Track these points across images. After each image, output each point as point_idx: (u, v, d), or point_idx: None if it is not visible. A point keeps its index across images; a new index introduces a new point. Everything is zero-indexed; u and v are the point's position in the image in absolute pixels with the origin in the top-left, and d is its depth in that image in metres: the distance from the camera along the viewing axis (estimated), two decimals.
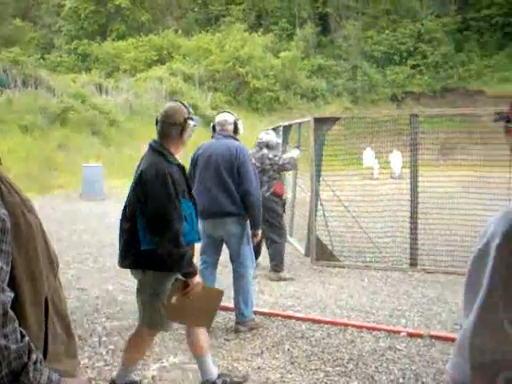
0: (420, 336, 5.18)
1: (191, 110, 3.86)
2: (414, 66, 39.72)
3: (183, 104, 3.85)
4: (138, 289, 3.80)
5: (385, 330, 5.36)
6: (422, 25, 41.30)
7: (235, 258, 5.35)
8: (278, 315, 5.78)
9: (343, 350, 4.87)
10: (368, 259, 8.38)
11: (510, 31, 40.57)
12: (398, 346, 4.96)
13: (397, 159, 13.99)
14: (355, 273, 7.84)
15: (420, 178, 8.03)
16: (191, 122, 3.77)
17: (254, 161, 7.75)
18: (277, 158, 7.56)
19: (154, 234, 3.50)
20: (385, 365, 4.56)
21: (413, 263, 7.96)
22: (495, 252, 1.41)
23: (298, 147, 8.41)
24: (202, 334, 3.94)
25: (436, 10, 42.75)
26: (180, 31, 41.60)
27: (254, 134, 8.12)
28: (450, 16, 41.95)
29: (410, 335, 5.21)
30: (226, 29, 41.17)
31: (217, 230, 5.30)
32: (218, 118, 5.49)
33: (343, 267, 8.12)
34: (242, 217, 5.23)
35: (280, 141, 8.41)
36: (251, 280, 5.46)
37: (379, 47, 40.75)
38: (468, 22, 41.95)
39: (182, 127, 3.73)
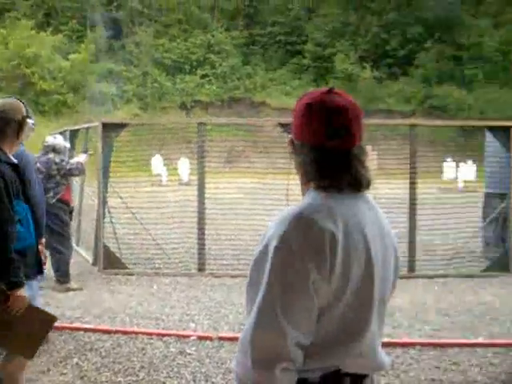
0: (209, 338, 5.32)
1: (29, 108, 3.55)
2: (203, 76, 40.80)
3: (21, 101, 3.53)
4: None
5: (175, 336, 5.41)
6: (213, 36, 42.67)
7: None
8: (65, 328, 5.53)
9: (134, 359, 4.82)
10: (157, 266, 8.41)
11: (291, 49, 43.70)
12: (188, 350, 5.03)
13: (185, 166, 14.22)
14: (144, 280, 7.82)
15: (207, 184, 8.27)
16: (29, 121, 3.48)
17: (38, 165, 7.35)
18: (64, 163, 7.28)
19: None
20: (176, 370, 4.60)
21: (201, 268, 8.16)
22: (272, 253, 1.53)
23: (85, 152, 8.17)
24: (18, 364, 3.44)
25: (226, 24, 44.48)
26: None
27: (41, 139, 7.70)
28: (239, 30, 43.97)
29: (200, 338, 5.33)
30: (11, 25, 38.51)
31: None
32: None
33: (132, 275, 8.04)
34: None
35: (68, 145, 8.06)
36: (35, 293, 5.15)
37: (170, 55, 41.21)
38: (254, 38, 44.36)
39: (20, 125, 3.41)
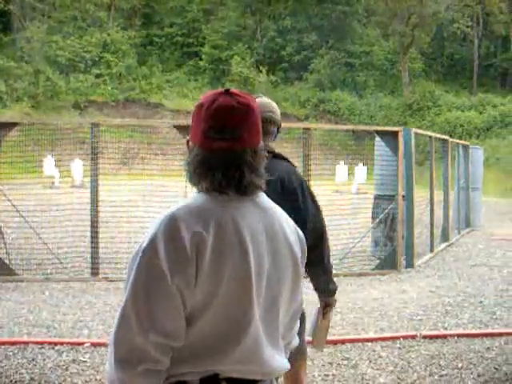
0: (104, 345, 5.18)
1: None
2: (98, 75, 39.81)
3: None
4: None
5: (68, 343, 5.24)
6: (109, 35, 41.73)
7: None
8: None
9: (23, 371, 4.60)
10: (49, 271, 8.11)
11: (188, 51, 43.63)
12: (81, 358, 4.89)
13: (78, 168, 13.83)
14: (35, 286, 7.51)
15: (101, 186, 8.08)
16: None
17: None
18: None
19: None
20: (69, 379, 4.45)
21: (94, 272, 7.96)
22: (140, 255, 1.55)
23: None
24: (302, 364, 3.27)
25: (122, 23, 43.66)
26: None
27: None
28: (135, 30, 43.28)
29: (94, 345, 5.20)
30: None
31: None
32: None
33: (22, 281, 7.71)
34: None
35: None
36: None
37: (64, 53, 39.85)
38: (152, 38, 43.89)
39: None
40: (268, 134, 2.99)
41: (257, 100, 2.86)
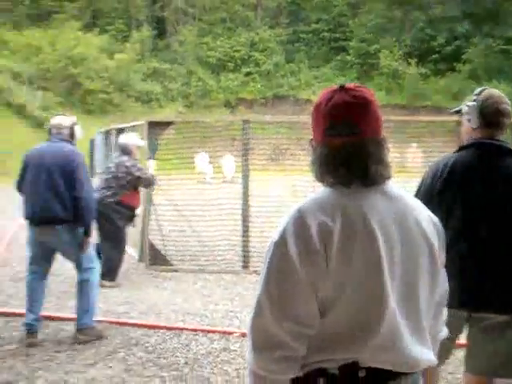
0: None
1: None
2: (247, 74, 40.93)
3: None
4: None
5: (219, 332, 5.44)
6: (257, 34, 42.75)
7: (76, 266, 5.18)
8: (111, 323, 5.63)
9: (178, 355, 4.87)
10: (202, 263, 8.46)
11: (335, 46, 43.45)
12: (231, 347, 5.05)
13: (229, 164, 14.25)
14: (189, 277, 7.87)
15: (251, 182, 8.28)
16: None
17: (110, 165, 7.43)
18: (134, 169, 7.18)
19: None
20: (220, 366, 4.63)
21: (245, 265, 8.18)
22: (272, 248, 1.64)
23: (150, 158, 8.12)
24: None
25: (269, 22, 44.53)
26: (8, 25, 39.02)
27: (88, 137, 7.85)
28: (282, 28, 43.93)
29: (243, 335, 5.34)
30: (59, 26, 39.46)
31: (48, 237, 5.05)
32: (53, 121, 5.25)
33: (177, 271, 8.12)
34: (73, 223, 5.00)
35: (141, 143, 7.73)
36: (94, 287, 5.26)
37: (214, 53, 41.49)
38: (298, 35, 44.26)
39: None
40: (502, 128, 2.88)
41: (488, 92, 2.91)
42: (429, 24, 41.17)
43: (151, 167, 7.78)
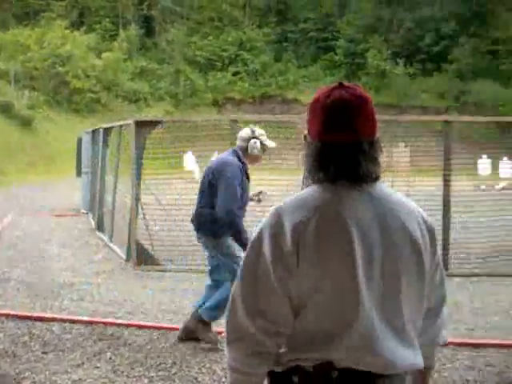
0: None
1: None
2: (235, 73, 40.93)
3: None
4: None
5: None
6: (244, 33, 42.76)
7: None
8: (98, 323, 5.60)
9: (166, 355, 4.85)
10: (189, 262, 8.44)
11: (323, 45, 43.58)
12: (219, 346, 4.99)
13: None
14: (177, 276, 7.86)
15: None
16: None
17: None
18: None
19: None
20: (208, 365, 4.61)
21: None
22: (250, 244, 1.69)
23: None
24: None
25: (257, 21, 44.55)
26: None
27: (75, 136, 7.80)
28: (270, 27, 43.97)
29: None
30: (46, 25, 39.23)
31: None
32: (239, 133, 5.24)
33: (165, 271, 8.11)
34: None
35: (273, 144, 7.32)
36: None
37: (202, 53, 41.45)
38: (286, 34, 44.35)
39: None
40: None
41: None
42: (416, 24, 41.38)
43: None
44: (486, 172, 13.63)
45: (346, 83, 1.71)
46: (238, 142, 5.04)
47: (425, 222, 1.73)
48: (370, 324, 1.59)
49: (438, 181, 8.31)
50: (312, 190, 1.68)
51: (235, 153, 5.02)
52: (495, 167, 14.07)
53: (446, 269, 8.04)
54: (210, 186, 4.97)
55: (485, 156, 12.44)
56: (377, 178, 1.69)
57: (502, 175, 14.60)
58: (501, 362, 4.75)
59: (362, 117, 1.66)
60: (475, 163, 11.30)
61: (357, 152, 1.64)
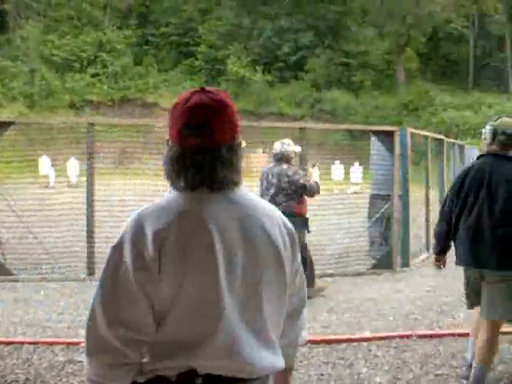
0: None
1: None
2: (94, 75, 39.74)
3: None
4: None
5: (63, 343, 5.22)
6: (105, 34, 41.66)
7: None
8: None
9: (18, 371, 4.59)
10: (44, 271, 8.08)
11: (184, 50, 43.59)
12: (77, 358, 4.86)
13: (74, 167, 13.80)
14: (31, 286, 7.48)
15: (96, 186, 8.08)
16: None
17: (270, 177, 6.71)
18: (297, 177, 6.63)
19: None
20: (65, 379, 4.44)
21: (90, 272, 7.95)
22: (110, 252, 1.67)
23: (314, 165, 7.48)
24: None
25: (118, 22, 43.59)
26: None
27: None
28: (131, 29, 43.21)
29: None
30: None
31: None
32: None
33: (17, 281, 7.69)
34: None
35: (298, 149, 7.09)
36: None
37: (59, 52, 39.80)
38: (147, 37, 43.84)
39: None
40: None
41: (504, 119, 4.14)
42: (275, 33, 42.65)
43: (316, 175, 7.03)
44: (339, 177, 14.35)
45: (207, 88, 1.70)
46: None
47: (285, 226, 1.76)
48: (231, 330, 1.60)
49: None
50: (173, 196, 1.66)
51: None
52: (347, 172, 14.85)
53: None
54: None
55: (338, 162, 13.10)
56: (237, 184, 1.69)
57: (353, 180, 15.46)
58: (352, 354, 5.04)
59: (219, 121, 1.64)
60: (329, 168, 11.85)
61: (214, 157, 1.63)
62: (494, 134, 4.09)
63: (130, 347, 1.57)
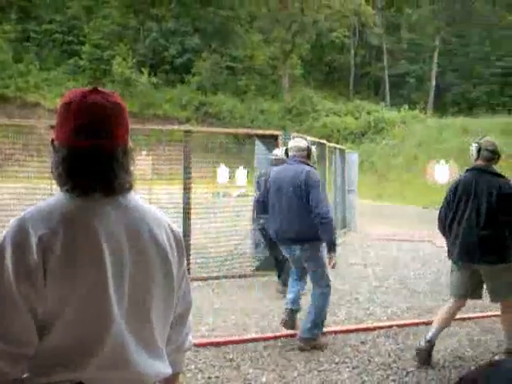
0: None
1: None
2: None
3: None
4: None
5: None
6: None
7: (314, 280, 5.45)
8: None
9: None
10: None
11: (68, 49, 42.16)
12: None
13: None
14: None
15: None
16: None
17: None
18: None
19: None
20: None
21: None
22: None
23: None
24: None
25: None
26: None
27: None
28: (11, 24, 41.07)
29: None
30: None
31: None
32: (291, 144, 5.55)
33: None
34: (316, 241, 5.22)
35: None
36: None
37: None
38: (29, 34, 41.91)
39: None
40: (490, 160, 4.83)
41: (487, 138, 4.95)
42: (162, 35, 42.30)
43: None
44: (224, 180, 14.46)
45: (101, 89, 1.64)
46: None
47: (172, 232, 1.73)
48: (120, 341, 1.55)
49: (179, 188, 8.58)
50: (60, 199, 1.57)
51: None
52: (233, 175, 15.00)
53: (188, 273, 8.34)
54: None
55: (223, 165, 13.19)
56: (130, 189, 1.64)
57: (238, 183, 15.62)
58: (238, 355, 5.10)
59: (116, 123, 1.59)
60: (214, 171, 11.93)
61: (110, 159, 1.58)
62: (479, 150, 4.85)
63: (9, 363, 1.46)
